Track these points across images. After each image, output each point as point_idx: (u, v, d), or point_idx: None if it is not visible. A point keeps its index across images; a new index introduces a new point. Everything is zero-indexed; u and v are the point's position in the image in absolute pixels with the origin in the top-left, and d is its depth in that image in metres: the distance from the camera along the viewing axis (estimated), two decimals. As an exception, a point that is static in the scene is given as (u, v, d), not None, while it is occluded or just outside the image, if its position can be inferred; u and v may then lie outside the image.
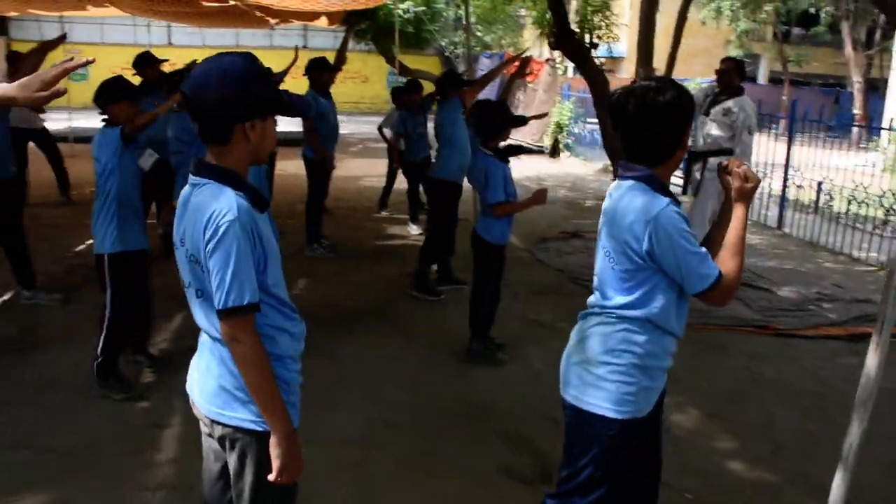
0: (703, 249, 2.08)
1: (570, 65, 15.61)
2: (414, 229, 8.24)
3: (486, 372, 4.55)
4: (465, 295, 5.86)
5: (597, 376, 2.20)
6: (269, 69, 2.04)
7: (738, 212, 2.17)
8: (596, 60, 8.74)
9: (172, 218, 1.98)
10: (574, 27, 9.72)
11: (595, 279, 2.31)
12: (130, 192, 4.09)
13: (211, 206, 1.79)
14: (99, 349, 4.10)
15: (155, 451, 3.50)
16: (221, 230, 1.76)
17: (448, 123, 5.84)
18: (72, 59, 1.87)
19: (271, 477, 1.90)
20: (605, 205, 2.28)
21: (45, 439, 3.60)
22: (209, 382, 1.97)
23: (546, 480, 3.27)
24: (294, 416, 1.97)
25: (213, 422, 1.97)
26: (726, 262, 2.10)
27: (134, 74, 5.13)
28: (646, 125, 2.13)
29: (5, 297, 5.56)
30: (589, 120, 14.23)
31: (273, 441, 1.88)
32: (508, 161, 4.60)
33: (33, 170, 9.02)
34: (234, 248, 1.77)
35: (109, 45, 23.44)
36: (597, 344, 2.22)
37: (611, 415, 2.17)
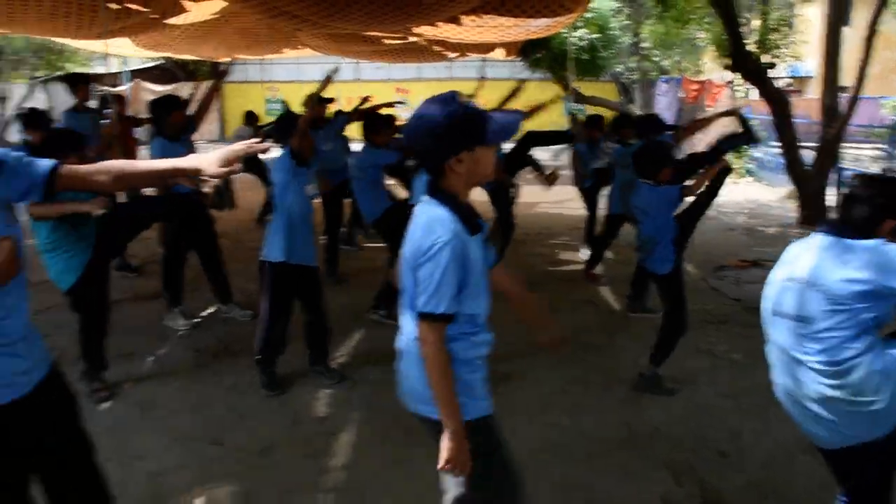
0: None
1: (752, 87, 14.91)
2: (584, 254, 8.16)
3: (654, 401, 4.43)
4: (640, 321, 5.79)
5: (870, 411, 2.42)
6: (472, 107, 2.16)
7: None
8: (783, 81, 8.32)
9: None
10: (752, 47, 9.30)
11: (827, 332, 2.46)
12: (301, 211, 4.44)
13: (435, 228, 2.10)
14: (256, 349, 4.52)
15: (328, 457, 3.74)
16: (436, 248, 2.07)
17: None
18: (260, 141, 2.23)
19: (439, 466, 2.12)
20: (803, 260, 2.55)
21: (234, 438, 3.97)
22: (410, 381, 2.27)
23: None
24: (485, 406, 2.31)
25: (417, 416, 2.29)
26: None
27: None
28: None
29: (210, 310, 6.16)
30: (772, 143, 13.46)
31: (444, 435, 2.12)
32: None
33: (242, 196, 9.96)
34: (442, 265, 2.07)
35: (305, 81, 25.35)
36: (865, 379, 2.40)
37: (881, 434, 2.44)
